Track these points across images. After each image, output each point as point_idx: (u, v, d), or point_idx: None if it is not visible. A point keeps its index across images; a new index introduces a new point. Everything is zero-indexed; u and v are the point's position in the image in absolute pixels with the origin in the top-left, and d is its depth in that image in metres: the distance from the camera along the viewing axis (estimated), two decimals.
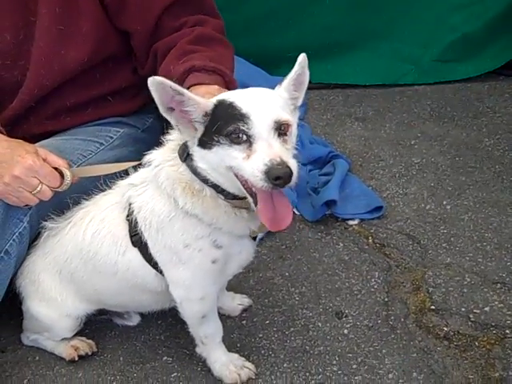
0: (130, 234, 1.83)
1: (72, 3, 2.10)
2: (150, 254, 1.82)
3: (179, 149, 1.71)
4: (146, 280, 1.89)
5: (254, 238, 1.87)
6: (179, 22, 2.15)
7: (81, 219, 1.92)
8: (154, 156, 1.77)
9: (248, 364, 2.06)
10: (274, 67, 3.87)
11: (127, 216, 1.82)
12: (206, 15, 2.21)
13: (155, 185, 1.75)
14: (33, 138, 2.23)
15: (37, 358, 2.18)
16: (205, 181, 1.67)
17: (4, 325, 2.27)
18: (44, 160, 1.85)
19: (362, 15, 3.94)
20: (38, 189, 1.83)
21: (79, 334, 2.16)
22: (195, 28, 2.14)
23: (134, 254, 1.84)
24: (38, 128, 2.27)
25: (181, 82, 2.08)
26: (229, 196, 1.69)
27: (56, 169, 1.86)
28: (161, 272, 1.85)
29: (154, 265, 1.84)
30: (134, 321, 2.27)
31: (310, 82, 3.96)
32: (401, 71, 4.04)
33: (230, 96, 1.61)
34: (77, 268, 1.95)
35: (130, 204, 1.82)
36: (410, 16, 3.95)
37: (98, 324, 2.25)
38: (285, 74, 3.83)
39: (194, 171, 1.67)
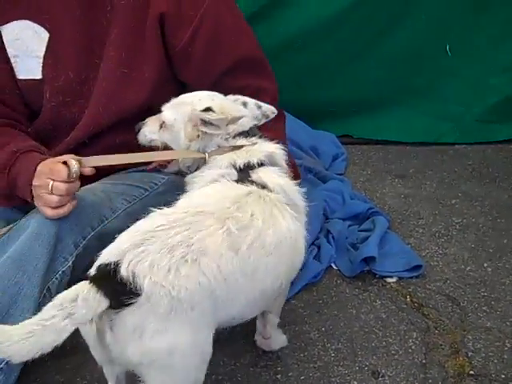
0: None
1: (139, 49, 2.19)
2: None
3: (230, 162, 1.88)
4: None
5: None
6: (240, 83, 2.23)
7: None
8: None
9: None
10: (316, 121, 3.93)
11: None
12: (265, 79, 2.33)
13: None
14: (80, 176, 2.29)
15: None
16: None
17: (38, 365, 2.23)
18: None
19: (405, 72, 3.97)
20: (50, 185, 1.84)
21: None
22: None
23: None
24: None
25: None
26: None
27: (65, 163, 1.86)
28: None
29: None
30: None
31: (351, 137, 4.04)
32: (442, 130, 4.04)
33: None
34: None
35: None
36: (453, 75, 3.96)
37: None
38: (327, 129, 3.92)
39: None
